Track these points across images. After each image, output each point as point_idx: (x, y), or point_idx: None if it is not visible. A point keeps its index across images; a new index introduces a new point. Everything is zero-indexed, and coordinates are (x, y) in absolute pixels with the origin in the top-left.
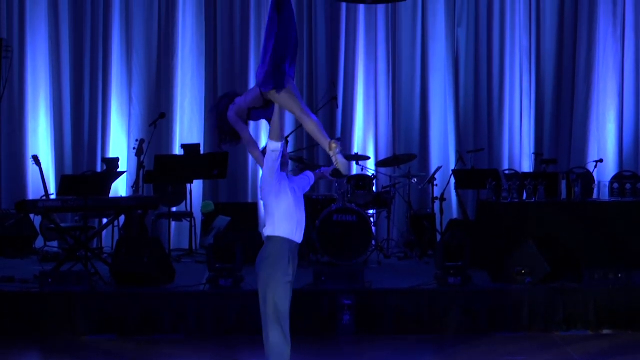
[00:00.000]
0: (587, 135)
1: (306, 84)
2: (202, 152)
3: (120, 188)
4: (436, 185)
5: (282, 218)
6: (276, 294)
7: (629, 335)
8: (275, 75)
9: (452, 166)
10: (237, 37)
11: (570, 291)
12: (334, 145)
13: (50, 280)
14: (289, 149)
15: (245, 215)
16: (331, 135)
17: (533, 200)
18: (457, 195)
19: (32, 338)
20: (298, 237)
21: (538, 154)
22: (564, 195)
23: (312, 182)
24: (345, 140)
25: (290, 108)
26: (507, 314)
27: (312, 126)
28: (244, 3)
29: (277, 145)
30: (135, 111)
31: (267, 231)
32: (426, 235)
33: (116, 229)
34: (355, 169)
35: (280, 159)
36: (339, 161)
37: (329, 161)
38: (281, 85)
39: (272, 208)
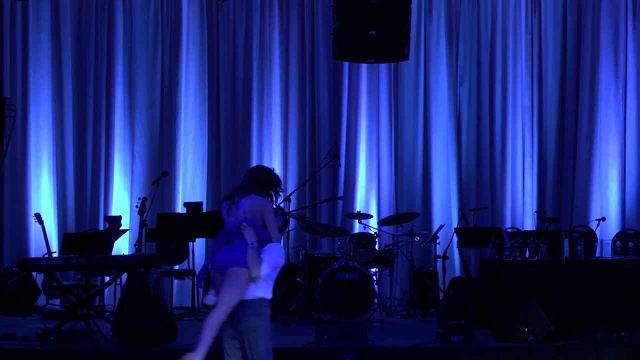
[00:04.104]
0: (590, 194)
1: (309, 143)
2: (204, 210)
3: (122, 246)
4: (439, 243)
5: None
6: None
7: None
8: None
9: (455, 224)
10: (240, 97)
11: (574, 350)
12: None
13: (52, 338)
14: (292, 206)
15: None
16: (334, 194)
17: (536, 259)
18: (460, 253)
19: None
20: None
21: (540, 213)
22: (566, 254)
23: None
24: (347, 198)
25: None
26: None
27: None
28: (247, 63)
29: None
30: (137, 169)
31: None
32: (429, 293)
33: (118, 287)
34: (357, 228)
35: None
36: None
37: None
38: None
39: None
